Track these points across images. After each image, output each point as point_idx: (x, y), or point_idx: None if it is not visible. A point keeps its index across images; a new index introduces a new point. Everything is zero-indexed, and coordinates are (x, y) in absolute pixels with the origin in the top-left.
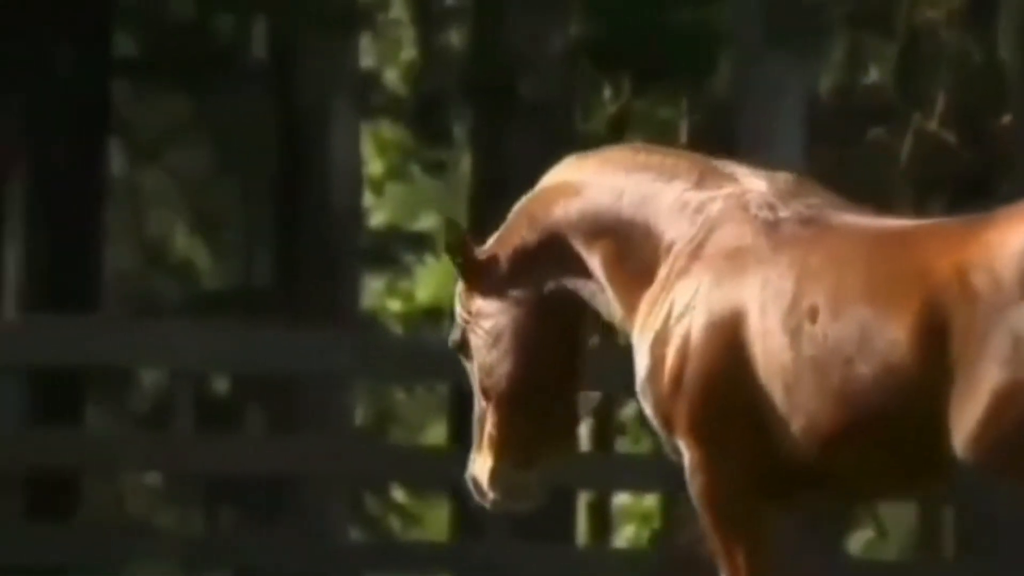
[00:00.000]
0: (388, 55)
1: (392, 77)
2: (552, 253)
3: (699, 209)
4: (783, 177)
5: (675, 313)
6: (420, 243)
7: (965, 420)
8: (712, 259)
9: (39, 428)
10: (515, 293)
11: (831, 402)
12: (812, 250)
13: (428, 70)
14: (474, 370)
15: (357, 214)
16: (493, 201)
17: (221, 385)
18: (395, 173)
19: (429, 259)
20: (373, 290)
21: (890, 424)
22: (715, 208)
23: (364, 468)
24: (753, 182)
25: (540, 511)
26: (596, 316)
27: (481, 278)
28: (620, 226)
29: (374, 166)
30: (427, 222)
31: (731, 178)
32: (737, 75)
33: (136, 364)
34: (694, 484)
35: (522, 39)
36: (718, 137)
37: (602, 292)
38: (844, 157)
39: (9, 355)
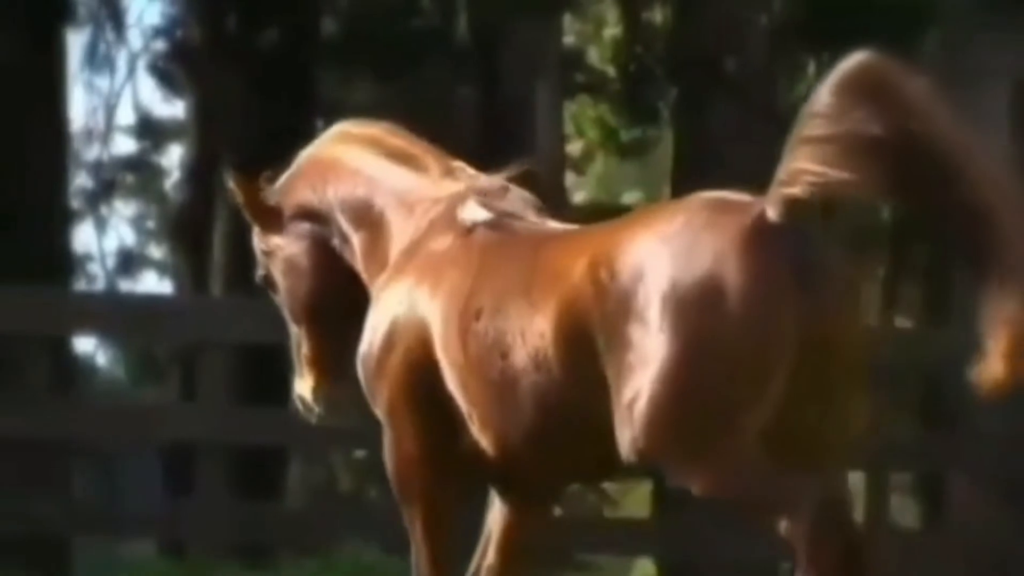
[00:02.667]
0: (591, 33)
1: (595, 55)
2: (326, 221)
3: (425, 212)
4: (502, 180)
5: (388, 307)
6: None
7: (621, 412)
8: (421, 262)
9: (246, 407)
10: (301, 229)
11: (492, 398)
12: (491, 253)
13: (631, 48)
14: (282, 301)
15: (561, 192)
16: (695, 178)
17: None
18: (597, 151)
19: None
20: None
21: (542, 420)
22: (435, 211)
23: None
24: (475, 184)
25: None
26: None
27: (272, 219)
28: (372, 223)
29: (576, 144)
30: (630, 199)
31: (460, 180)
32: (943, 54)
33: None
34: (386, 458)
35: (726, 15)
36: None
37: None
38: None
39: (215, 333)
